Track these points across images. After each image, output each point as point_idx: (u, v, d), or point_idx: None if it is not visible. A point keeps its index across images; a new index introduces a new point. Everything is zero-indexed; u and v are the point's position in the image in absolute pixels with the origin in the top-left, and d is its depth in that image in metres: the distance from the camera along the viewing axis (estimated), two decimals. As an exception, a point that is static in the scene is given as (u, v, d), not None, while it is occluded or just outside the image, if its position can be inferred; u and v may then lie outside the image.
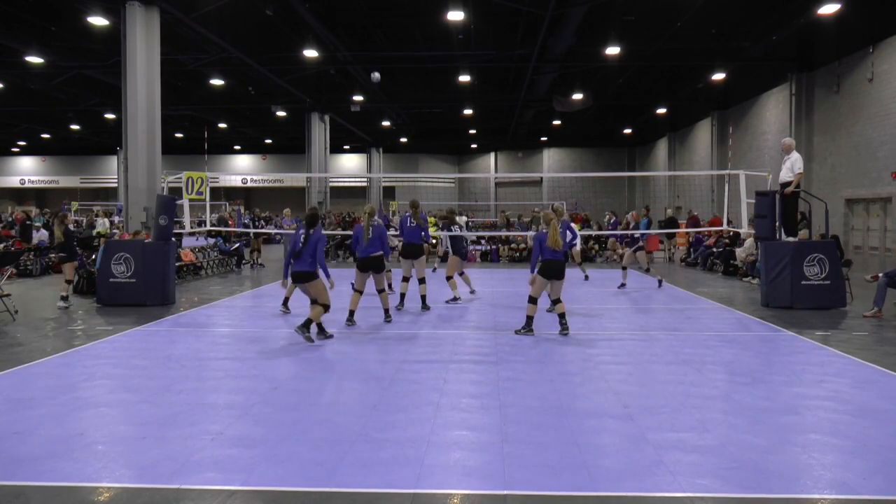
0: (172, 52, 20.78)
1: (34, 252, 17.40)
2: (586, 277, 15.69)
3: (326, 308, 8.34)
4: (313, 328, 8.31)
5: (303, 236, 8.24)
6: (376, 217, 9.94)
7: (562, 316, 8.81)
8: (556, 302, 8.83)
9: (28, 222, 20.78)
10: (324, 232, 8.95)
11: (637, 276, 16.12)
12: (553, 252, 8.52)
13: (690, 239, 20.47)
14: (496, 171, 48.04)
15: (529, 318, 8.80)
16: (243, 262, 19.35)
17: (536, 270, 8.69)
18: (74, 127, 38.84)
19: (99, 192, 47.99)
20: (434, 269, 13.88)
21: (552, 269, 8.57)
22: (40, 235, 19.34)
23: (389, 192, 45.83)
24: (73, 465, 4.37)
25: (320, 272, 8.24)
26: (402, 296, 11.15)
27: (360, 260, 9.65)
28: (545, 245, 8.53)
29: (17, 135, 42.10)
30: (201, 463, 4.39)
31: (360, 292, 9.76)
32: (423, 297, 11.04)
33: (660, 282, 14.41)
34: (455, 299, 11.68)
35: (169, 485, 4.05)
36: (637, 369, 7.02)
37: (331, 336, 8.54)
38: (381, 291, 9.94)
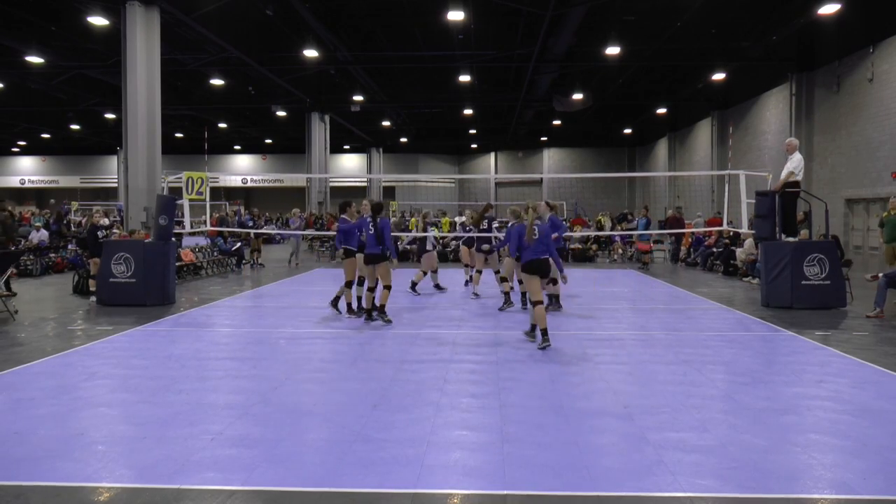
0: (172, 52, 20.79)
1: (34, 252, 17.40)
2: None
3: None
4: None
5: None
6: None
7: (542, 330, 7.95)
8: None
9: None
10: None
11: (634, 275, 16.09)
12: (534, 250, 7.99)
13: (691, 239, 20.45)
14: (496, 171, 48.01)
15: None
16: (243, 262, 19.36)
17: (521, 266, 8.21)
18: (74, 127, 38.84)
19: (99, 192, 47.92)
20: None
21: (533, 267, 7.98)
22: (41, 235, 19.33)
23: (389, 192, 45.83)
24: (73, 465, 4.36)
25: None
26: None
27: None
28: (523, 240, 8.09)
29: (17, 135, 42.09)
30: (201, 463, 4.39)
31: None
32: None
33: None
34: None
35: (169, 485, 4.04)
36: (637, 369, 7.02)
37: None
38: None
